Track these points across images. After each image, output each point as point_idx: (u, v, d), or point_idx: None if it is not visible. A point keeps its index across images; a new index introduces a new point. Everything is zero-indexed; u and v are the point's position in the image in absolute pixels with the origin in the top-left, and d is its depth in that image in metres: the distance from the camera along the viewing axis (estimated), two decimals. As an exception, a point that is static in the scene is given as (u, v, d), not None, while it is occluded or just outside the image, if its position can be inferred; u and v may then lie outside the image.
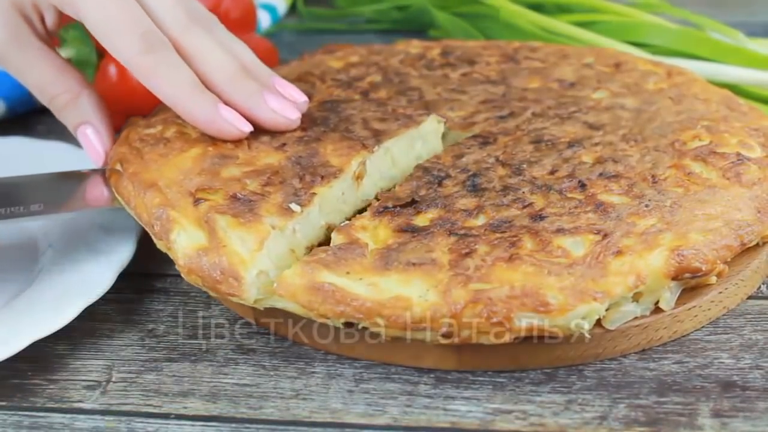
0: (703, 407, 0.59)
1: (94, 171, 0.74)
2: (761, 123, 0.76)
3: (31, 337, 0.63)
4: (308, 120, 0.75)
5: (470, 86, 0.83)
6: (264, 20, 1.15)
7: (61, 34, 0.94)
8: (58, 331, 0.64)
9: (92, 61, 0.93)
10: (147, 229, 0.68)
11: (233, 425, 0.60)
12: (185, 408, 0.61)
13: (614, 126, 0.75)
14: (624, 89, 0.81)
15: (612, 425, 0.58)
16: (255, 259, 0.62)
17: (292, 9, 1.26)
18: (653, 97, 0.80)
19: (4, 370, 0.64)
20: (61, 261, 0.72)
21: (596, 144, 0.73)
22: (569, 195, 0.67)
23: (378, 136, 0.73)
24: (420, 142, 0.76)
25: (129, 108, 0.94)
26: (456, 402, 0.61)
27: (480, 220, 0.66)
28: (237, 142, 0.72)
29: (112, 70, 0.91)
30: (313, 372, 0.64)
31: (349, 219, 0.68)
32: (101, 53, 0.93)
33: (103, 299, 0.70)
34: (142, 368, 0.65)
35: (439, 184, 0.70)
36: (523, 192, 0.68)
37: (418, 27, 1.17)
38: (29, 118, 0.99)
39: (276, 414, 0.61)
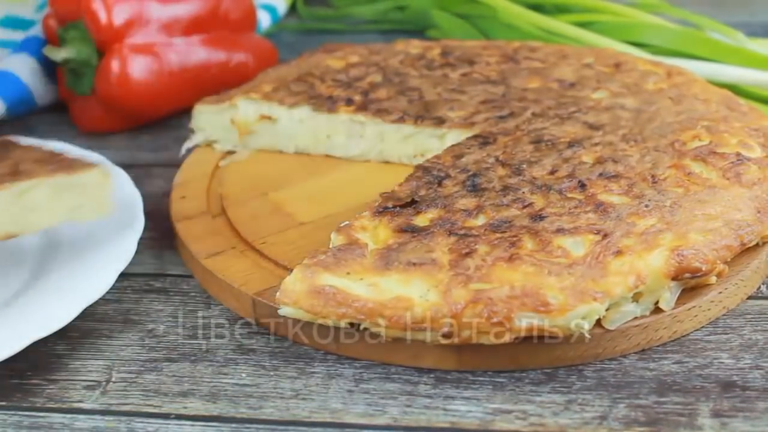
0: (703, 407, 0.59)
1: None
2: (761, 123, 0.76)
3: (31, 337, 0.63)
4: None
5: (470, 86, 0.83)
6: (264, 20, 1.15)
7: (60, 33, 0.94)
8: (58, 331, 0.64)
9: (92, 61, 0.93)
10: None
11: (233, 425, 0.60)
12: (185, 408, 0.61)
13: (614, 126, 0.75)
14: (624, 89, 0.81)
15: (612, 425, 0.58)
16: None
17: (292, 9, 1.26)
18: (653, 97, 0.80)
19: (4, 370, 0.64)
20: (61, 261, 0.72)
21: (596, 144, 0.73)
22: (569, 195, 0.67)
23: (15, 176, 0.68)
24: (77, 191, 0.71)
25: (128, 107, 0.94)
26: (456, 402, 0.61)
27: (480, 220, 0.66)
28: None
29: (113, 69, 0.91)
30: (313, 372, 0.64)
31: None
32: (101, 53, 0.93)
33: (103, 299, 0.70)
34: (142, 368, 0.65)
35: (439, 184, 0.70)
36: (523, 192, 0.68)
37: (417, 27, 1.17)
38: (29, 118, 0.99)
39: (276, 414, 0.60)
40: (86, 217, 0.72)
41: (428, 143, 0.79)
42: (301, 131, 0.84)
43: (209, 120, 0.86)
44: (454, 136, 0.77)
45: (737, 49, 0.93)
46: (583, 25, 1.02)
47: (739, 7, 1.20)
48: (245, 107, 0.85)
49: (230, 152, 0.86)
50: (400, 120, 0.79)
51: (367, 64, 0.89)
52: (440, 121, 0.79)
